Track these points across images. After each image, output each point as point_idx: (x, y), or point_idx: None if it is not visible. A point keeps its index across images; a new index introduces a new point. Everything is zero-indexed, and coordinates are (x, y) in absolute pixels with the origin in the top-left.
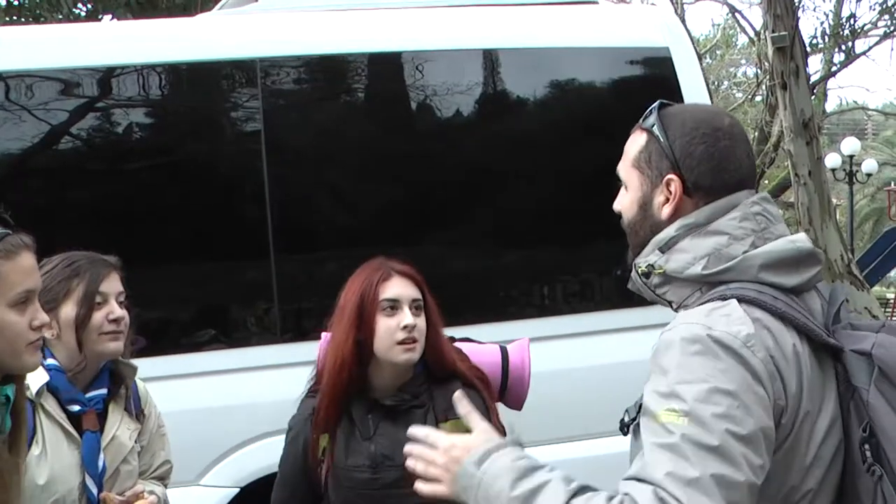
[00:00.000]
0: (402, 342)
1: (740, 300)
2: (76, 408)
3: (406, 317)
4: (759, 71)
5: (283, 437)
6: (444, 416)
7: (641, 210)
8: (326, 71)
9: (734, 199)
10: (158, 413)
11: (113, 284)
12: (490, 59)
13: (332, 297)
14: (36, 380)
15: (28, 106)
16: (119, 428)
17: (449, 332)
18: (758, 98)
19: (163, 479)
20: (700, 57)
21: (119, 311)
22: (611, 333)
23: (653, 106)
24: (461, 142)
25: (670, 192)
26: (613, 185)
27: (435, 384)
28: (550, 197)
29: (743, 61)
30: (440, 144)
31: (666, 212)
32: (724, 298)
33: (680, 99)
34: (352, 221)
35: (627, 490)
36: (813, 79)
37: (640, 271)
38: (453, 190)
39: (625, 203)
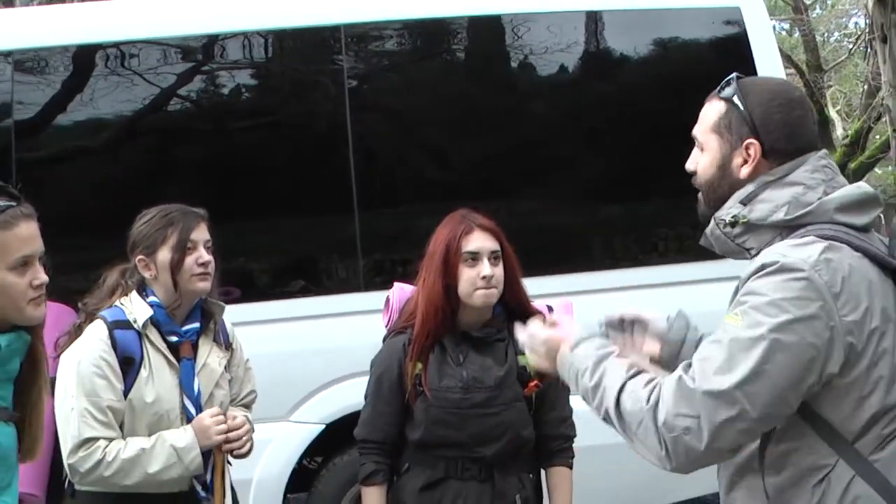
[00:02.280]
0: (480, 289)
1: (818, 237)
2: (174, 338)
3: (485, 268)
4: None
5: (365, 378)
6: (522, 350)
7: (720, 170)
8: (415, 35)
9: (804, 157)
10: (243, 350)
11: (201, 233)
12: (565, 22)
13: (410, 251)
14: (141, 314)
15: (140, 71)
16: (210, 356)
17: None
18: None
19: (248, 407)
20: (807, 8)
21: (207, 256)
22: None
23: (729, 77)
24: (539, 103)
25: (749, 155)
26: (676, 143)
27: (513, 322)
28: (622, 155)
29: (855, 11)
30: (522, 106)
31: (745, 171)
32: (802, 237)
33: (751, 58)
34: (427, 180)
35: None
36: None
37: (725, 222)
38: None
39: (702, 163)
